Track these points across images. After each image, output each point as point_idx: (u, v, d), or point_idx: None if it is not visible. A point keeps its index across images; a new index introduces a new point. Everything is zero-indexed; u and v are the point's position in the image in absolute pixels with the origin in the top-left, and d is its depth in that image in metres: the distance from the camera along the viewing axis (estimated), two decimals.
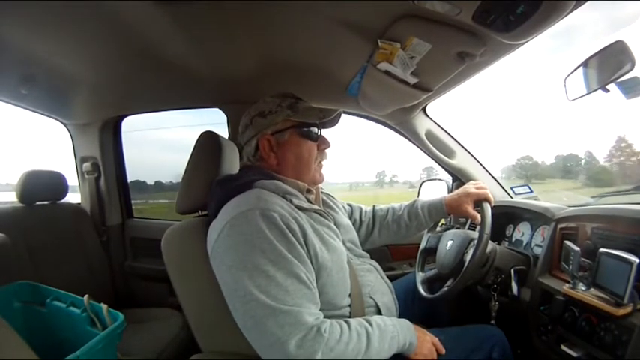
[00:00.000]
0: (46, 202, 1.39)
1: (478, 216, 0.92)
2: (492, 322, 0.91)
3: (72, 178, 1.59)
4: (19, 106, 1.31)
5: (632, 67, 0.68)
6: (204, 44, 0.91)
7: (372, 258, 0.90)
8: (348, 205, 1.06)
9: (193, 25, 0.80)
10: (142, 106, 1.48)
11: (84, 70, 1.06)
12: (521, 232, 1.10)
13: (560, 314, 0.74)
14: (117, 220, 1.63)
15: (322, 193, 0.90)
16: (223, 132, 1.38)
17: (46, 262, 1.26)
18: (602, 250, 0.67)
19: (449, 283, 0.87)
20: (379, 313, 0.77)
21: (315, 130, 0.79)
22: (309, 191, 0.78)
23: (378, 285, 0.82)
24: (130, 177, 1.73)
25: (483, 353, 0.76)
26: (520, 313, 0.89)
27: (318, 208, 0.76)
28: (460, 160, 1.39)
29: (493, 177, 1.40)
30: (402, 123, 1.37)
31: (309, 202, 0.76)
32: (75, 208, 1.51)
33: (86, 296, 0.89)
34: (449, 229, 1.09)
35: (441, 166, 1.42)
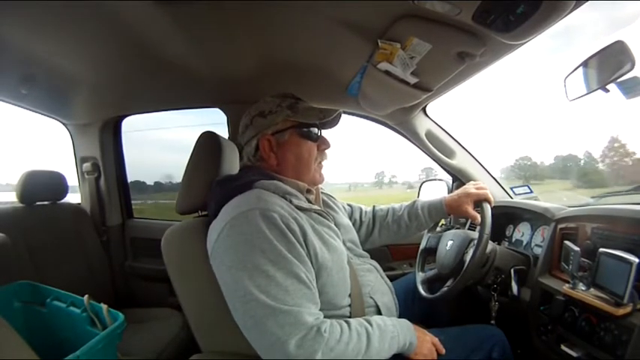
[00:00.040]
0: (46, 202, 1.39)
1: (478, 216, 0.92)
2: (492, 322, 0.91)
3: (72, 178, 1.60)
4: (19, 106, 1.31)
5: (632, 67, 0.68)
6: (204, 44, 0.91)
7: (372, 258, 0.90)
8: (348, 205, 1.06)
9: (193, 25, 0.80)
10: (142, 106, 1.48)
11: (84, 70, 1.06)
12: (521, 232, 1.10)
13: (560, 314, 0.74)
14: (117, 220, 1.63)
15: (322, 193, 0.90)
16: (223, 132, 1.38)
17: (46, 262, 1.26)
18: (602, 250, 0.67)
19: (449, 283, 0.87)
20: (379, 313, 0.77)
21: (315, 130, 0.79)
22: (309, 191, 0.78)
23: (378, 285, 0.82)
24: (130, 177, 1.73)
25: (483, 353, 0.76)
26: (520, 313, 0.89)
27: (318, 208, 0.76)
28: (460, 160, 1.39)
29: (493, 177, 1.40)
30: (402, 123, 1.37)
31: (309, 202, 0.76)
32: (75, 208, 1.51)
33: (86, 296, 0.89)
34: (449, 229, 1.09)
35: (440, 166, 1.42)
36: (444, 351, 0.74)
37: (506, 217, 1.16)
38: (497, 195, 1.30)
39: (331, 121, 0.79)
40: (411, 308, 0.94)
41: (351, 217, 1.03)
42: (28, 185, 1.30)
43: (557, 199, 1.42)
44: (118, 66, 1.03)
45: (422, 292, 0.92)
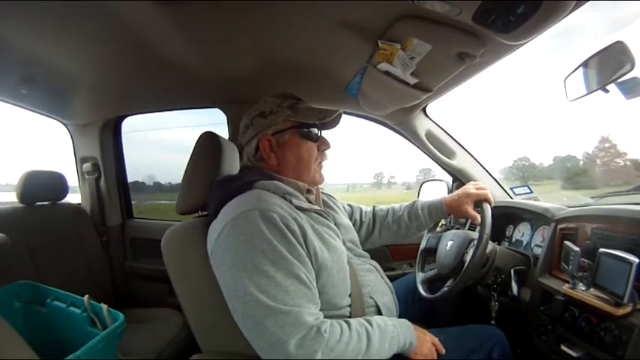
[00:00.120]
0: (46, 203, 1.39)
1: (478, 216, 0.92)
2: (492, 322, 0.91)
3: (72, 178, 1.60)
4: (19, 106, 1.31)
5: (632, 68, 0.68)
6: (204, 44, 0.91)
7: (372, 258, 0.90)
8: (348, 205, 1.06)
9: (193, 25, 0.80)
10: (142, 107, 1.48)
11: (84, 70, 1.06)
12: (521, 232, 1.10)
13: (560, 314, 0.74)
14: (117, 221, 1.63)
15: (322, 193, 0.90)
16: (223, 132, 1.38)
17: (46, 262, 1.26)
18: (601, 250, 0.67)
19: (449, 283, 0.87)
20: (379, 313, 0.77)
21: (316, 130, 0.79)
22: (309, 191, 0.78)
23: (378, 285, 0.82)
24: (130, 177, 1.73)
25: (483, 353, 0.76)
26: (520, 313, 0.89)
27: (318, 208, 0.76)
28: (460, 161, 1.39)
29: (493, 177, 1.40)
30: (401, 123, 1.37)
31: (309, 202, 0.77)
32: (75, 209, 1.51)
33: (86, 296, 0.89)
34: (449, 229, 1.09)
35: (440, 166, 1.42)
36: (444, 351, 0.74)
37: (506, 217, 1.16)
38: (497, 195, 1.30)
39: (331, 121, 0.79)
40: (411, 308, 0.94)
41: (351, 217, 1.03)
42: (28, 185, 1.30)
43: (557, 199, 1.42)
44: (118, 66, 1.03)
45: (422, 292, 0.92)
